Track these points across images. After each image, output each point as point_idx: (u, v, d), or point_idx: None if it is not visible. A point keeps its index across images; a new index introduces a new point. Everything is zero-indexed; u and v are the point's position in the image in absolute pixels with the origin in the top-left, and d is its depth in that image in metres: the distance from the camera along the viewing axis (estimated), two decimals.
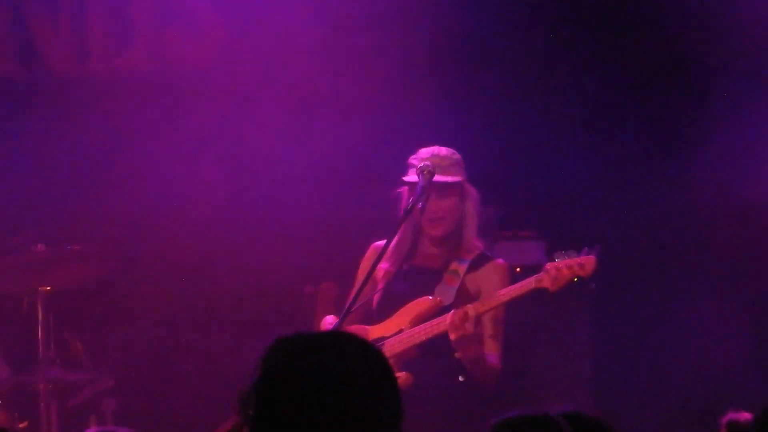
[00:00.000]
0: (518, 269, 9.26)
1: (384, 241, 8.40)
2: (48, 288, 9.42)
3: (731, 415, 6.81)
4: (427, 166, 8.26)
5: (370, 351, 3.74)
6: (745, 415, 6.70)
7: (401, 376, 8.10)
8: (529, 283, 8.17)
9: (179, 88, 10.39)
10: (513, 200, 10.22)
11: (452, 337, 8.08)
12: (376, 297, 8.45)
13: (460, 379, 8.39)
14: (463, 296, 8.33)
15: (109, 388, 9.58)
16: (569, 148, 10.57)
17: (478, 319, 8.16)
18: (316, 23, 10.37)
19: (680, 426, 7.84)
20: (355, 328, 8.28)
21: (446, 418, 8.43)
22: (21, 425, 9.14)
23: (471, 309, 8.06)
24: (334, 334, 4.12)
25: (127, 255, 10.04)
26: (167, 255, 10.19)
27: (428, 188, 8.36)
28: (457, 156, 8.40)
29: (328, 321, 8.36)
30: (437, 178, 8.32)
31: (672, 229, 10.39)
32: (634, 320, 10.33)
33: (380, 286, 8.46)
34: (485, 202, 8.83)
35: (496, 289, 8.36)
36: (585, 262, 8.17)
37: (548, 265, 8.11)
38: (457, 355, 8.19)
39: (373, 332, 8.41)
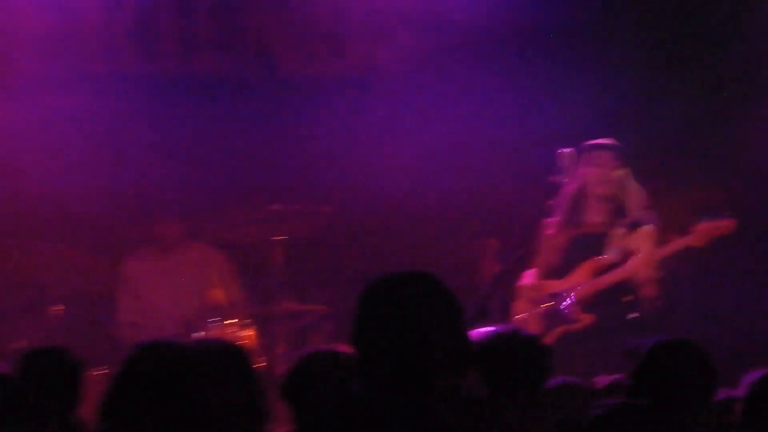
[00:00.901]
0: None
1: (553, 219, 8.80)
2: (281, 238, 9.82)
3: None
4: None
5: (441, 284, 3.84)
6: None
7: (588, 317, 8.56)
8: (684, 242, 8.57)
9: (376, 88, 10.75)
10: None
11: (639, 278, 8.53)
12: (558, 259, 8.80)
13: (630, 316, 8.57)
14: (627, 253, 8.66)
15: (326, 314, 9.95)
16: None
17: (654, 265, 8.58)
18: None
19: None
20: (545, 282, 8.77)
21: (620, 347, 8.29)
22: (260, 341, 9.53)
23: (650, 256, 8.57)
24: (414, 273, 3.93)
25: (339, 212, 10.33)
26: (368, 214, 10.63)
27: (579, 159, 8.69)
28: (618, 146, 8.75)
29: (528, 275, 8.88)
30: (602, 141, 8.72)
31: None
32: (726, 267, 10.11)
33: (560, 251, 8.83)
34: None
35: (649, 247, 8.69)
36: (728, 224, 8.52)
37: (696, 227, 8.51)
38: (637, 294, 8.59)
39: (560, 285, 8.72)
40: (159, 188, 10.42)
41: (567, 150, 8.73)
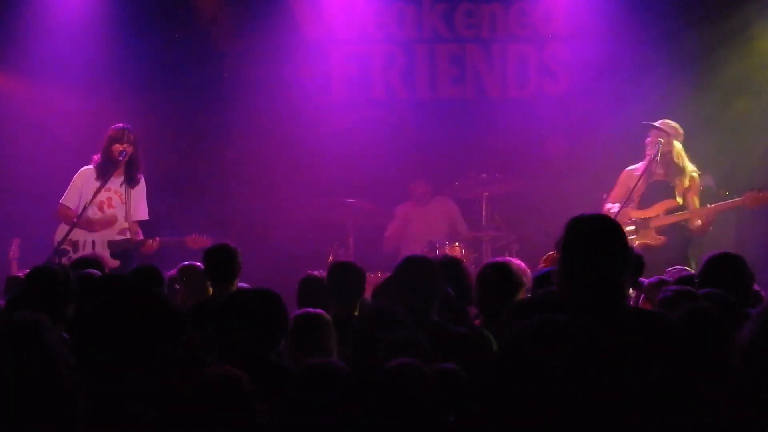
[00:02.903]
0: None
1: (634, 166, 8.97)
2: (487, 194, 10.39)
3: None
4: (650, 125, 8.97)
5: (616, 224, 3.89)
6: None
7: (661, 238, 8.64)
8: (737, 202, 8.56)
9: (548, 110, 11.24)
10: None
11: (705, 221, 8.58)
12: (639, 195, 8.78)
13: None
14: (685, 197, 8.74)
15: (514, 239, 10.40)
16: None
17: (712, 214, 8.66)
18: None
19: None
20: (635, 212, 8.68)
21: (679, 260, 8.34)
22: (473, 255, 10.11)
23: (714, 207, 8.57)
24: (599, 214, 3.94)
25: (519, 179, 10.51)
26: (536, 182, 10.69)
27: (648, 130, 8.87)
28: (674, 124, 8.84)
29: (609, 206, 8.83)
30: (653, 123, 8.86)
31: None
32: (762, 221, 10.08)
33: (640, 191, 8.76)
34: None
35: (695, 191, 8.75)
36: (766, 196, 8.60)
37: (748, 193, 8.46)
38: (697, 225, 8.64)
39: (644, 214, 8.70)
40: (416, 166, 10.97)
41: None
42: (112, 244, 9.04)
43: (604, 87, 10.91)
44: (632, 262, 4.29)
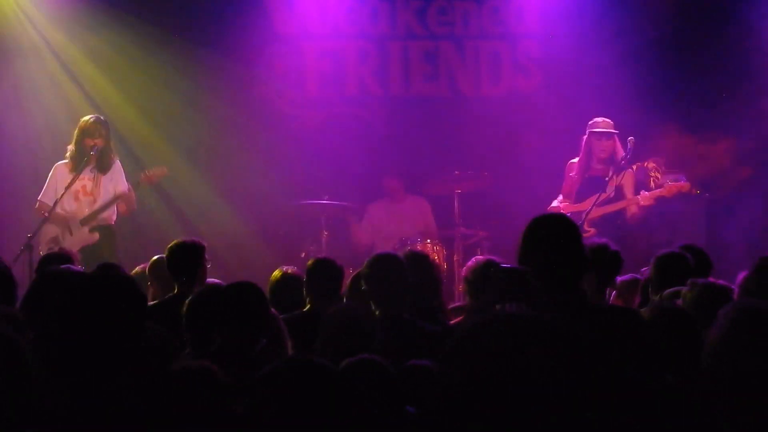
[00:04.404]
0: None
1: (575, 159, 9.31)
2: (458, 191, 10.40)
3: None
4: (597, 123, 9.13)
5: (571, 222, 4.04)
6: None
7: (591, 230, 8.77)
8: (658, 192, 8.84)
9: (520, 107, 11.20)
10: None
11: (632, 210, 8.89)
12: (576, 189, 9.14)
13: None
14: (618, 191, 9.00)
15: (486, 237, 10.45)
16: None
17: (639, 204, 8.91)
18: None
19: None
20: (568, 207, 8.94)
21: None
22: (444, 252, 10.16)
23: (641, 198, 8.88)
24: (556, 214, 4.15)
25: (492, 176, 10.46)
26: (511, 178, 10.62)
27: (597, 135, 9.06)
28: (612, 122, 9.13)
29: (554, 204, 9.18)
30: (606, 128, 9.08)
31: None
32: (733, 217, 10.30)
33: (578, 185, 9.14)
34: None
35: (630, 185, 9.02)
36: (685, 185, 8.88)
37: (667, 185, 8.86)
38: (629, 220, 8.96)
39: (578, 207, 8.97)
40: (389, 163, 11.00)
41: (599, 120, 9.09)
42: (84, 221, 9.07)
43: (576, 84, 10.87)
44: (608, 260, 4.95)
